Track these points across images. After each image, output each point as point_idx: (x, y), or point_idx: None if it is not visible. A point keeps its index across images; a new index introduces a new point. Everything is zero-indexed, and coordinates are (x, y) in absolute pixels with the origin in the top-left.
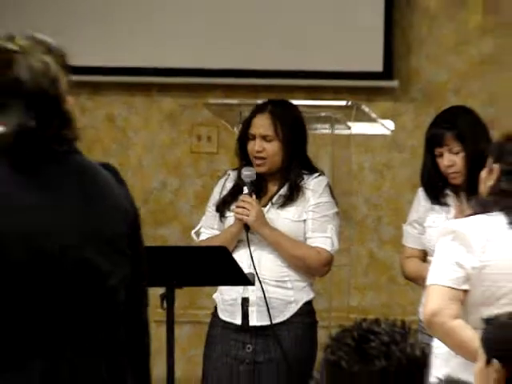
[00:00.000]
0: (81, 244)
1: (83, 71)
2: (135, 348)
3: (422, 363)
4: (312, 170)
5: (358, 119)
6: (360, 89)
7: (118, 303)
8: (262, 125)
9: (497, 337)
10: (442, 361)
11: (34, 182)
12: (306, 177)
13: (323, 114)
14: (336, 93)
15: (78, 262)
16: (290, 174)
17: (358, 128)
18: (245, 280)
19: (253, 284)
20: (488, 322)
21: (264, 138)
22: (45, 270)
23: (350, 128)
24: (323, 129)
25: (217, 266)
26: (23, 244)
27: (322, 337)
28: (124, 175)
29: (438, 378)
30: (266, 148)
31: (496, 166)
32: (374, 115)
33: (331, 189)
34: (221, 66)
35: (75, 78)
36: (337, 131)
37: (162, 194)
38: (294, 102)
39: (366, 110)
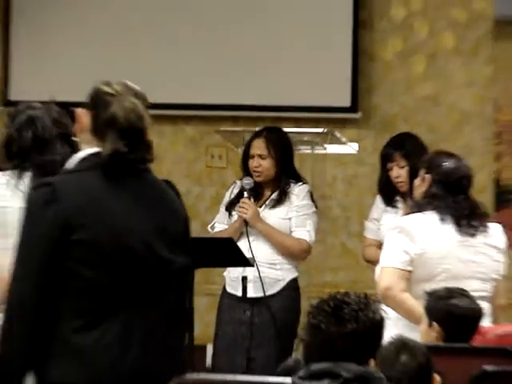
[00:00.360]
0: (152, 239)
1: None
2: (187, 313)
3: (380, 326)
4: (298, 179)
5: (332, 142)
6: (333, 119)
7: (177, 282)
8: (259, 147)
9: (436, 306)
10: (391, 324)
11: (120, 190)
12: (292, 185)
13: (306, 139)
14: (315, 122)
15: (150, 253)
16: (281, 182)
17: (331, 149)
18: (246, 263)
19: (252, 266)
20: (430, 294)
21: (260, 156)
22: (127, 259)
23: (325, 149)
24: (306, 149)
25: (225, 252)
26: (112, 238)
27: (305, 306)
28: None
29: (391, 337)
30: (262, 164)
31: (427, 176)
32: (343, 139)
33: (312, 194)
34: (229, 102)
35: None
36: (316, 151)
37: (187, 199)
38: (284, 129)
39: (338, 135)
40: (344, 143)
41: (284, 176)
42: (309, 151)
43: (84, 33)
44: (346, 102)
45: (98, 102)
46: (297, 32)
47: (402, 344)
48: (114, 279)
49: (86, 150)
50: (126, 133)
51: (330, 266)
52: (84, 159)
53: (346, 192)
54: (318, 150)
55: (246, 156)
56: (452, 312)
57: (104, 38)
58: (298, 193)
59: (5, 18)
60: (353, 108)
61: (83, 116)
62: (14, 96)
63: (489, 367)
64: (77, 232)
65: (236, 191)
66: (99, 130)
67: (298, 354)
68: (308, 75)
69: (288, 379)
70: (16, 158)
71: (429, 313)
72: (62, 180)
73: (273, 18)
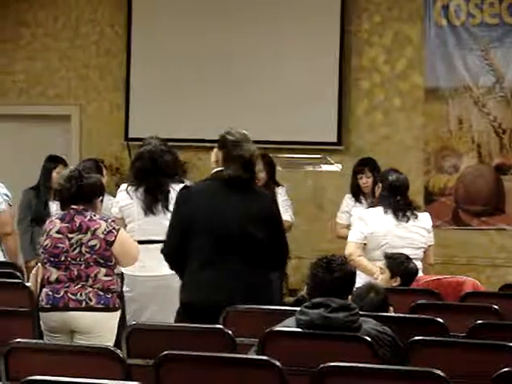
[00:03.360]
0: (244, 222)
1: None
2: (277, 264)
3: (354, 275)
4: (278, 184)
5: (325, 163)
6: (326, 150)
7: (260, 246)
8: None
9: (400, 267)
10: (359, 274)
11: (230, 194)
12: (276, 188)
13: (309, 162)
14: (313, 152)
15: (244, 231)
16: (270, 186)
17: (325, 167)
18: None
19: None
20: (387, 255)
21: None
22: (226, 232)
23: (321, 167)
24: (309, 168)
25: None
26: (219, 221)
27: (306, 265)
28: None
29: (360, 283)
30: (259, 177)
31: (380, 184)
32: (332, 162)
33: (286, 191)
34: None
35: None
36: (316, 169)
37: None
38: (297, 155)
39: (329, 159)
40: (333, 164)
41: (271, 182)
42: (311, 169)
43: (185, 86)
44: (334, 139)
45: (227, 145)
46: (299, 92)
47: (370, 286)
48: (217, 244)
49: (214, 170)
50: (245, 165)
51: (320, 240)
52: (212, 174)
53: (334, 194)
54: (317, 168)
55: None
56: (409, 271)
57: (200, 90)
58: (281, 192)
59: (127, 74)
60: (338, 143)
61: (217, 153)
62: (133, 133)
63: (420, 301)
64: (198, 217)
65: None
66: (229, 162)
67: (303, 292)
68: (309, 121)
69: (297, 308)
70: (135, 177)
71: (393, 270)
72: (196, 186)
73: (282, 79)
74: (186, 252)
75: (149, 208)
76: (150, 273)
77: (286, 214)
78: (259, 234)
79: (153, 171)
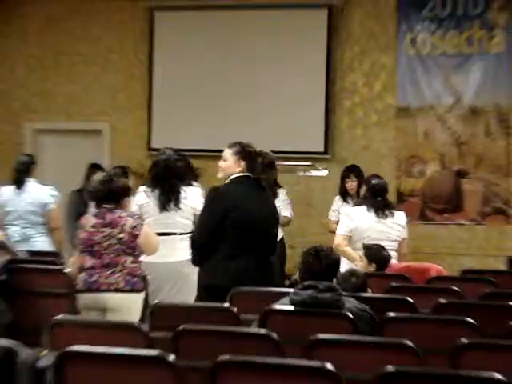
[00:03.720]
0: (266, 217)
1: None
2: (273, 251)
3: (338, 261)
4: (279, 186)
5: (314, 169)
6: (314, 158)
7: (274, 239)
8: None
9: (377, 255)
10: (344, 261)
11: (253, 194)
12: (278, 189)
13: (301, 168)
14: (304, 159)
15: (265, 225)
16: (273, 188)
17: (314, 173)
18: None
19: None
20: (365, 246)
21: None
22: (253, 227)
23: (311, 172)
24: (300, 173)
25: None
26: (246, 217)
27: (298, 253)
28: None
29: (344, 269)
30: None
31: (364, 187)
32: (320, 168)
33: (287, 193)
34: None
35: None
36: (306, 174)
37: None
38: (291, 162)
39: (318, 166)
40: (320, 170)
41: (273, 184)
42: (302, 174)
43: (196, 105)
44: (321, 149)
45: (251, 155)
46: (293, 109)
47: (352, 271)
48: (244, 236)
49: (237, 173)
50: (264, 169)
51: (312, 233)
52: (236, 177)
53: (322, 195)
54: (307, 173)
55: None
56: (382, 258)
57: (208, 109)
58: (282, 192)
59: (149, 95)
60: (325, 152)
61: (238, 161)
62: (154, 145)
63: (393, 284)
64: (230, 214)
65: None
66: (252, 168)
67: (296, 276)
68: (301, 134)
69: (291, 289)
70: (151, 181)
71: (369, 258)
72: (224, 187)
73: (279, 99)
74: (214, 243)
75: (163, 206)
76: (164, 259)
77: (286, 211)
78: (275, 229)
79: (166, 176)
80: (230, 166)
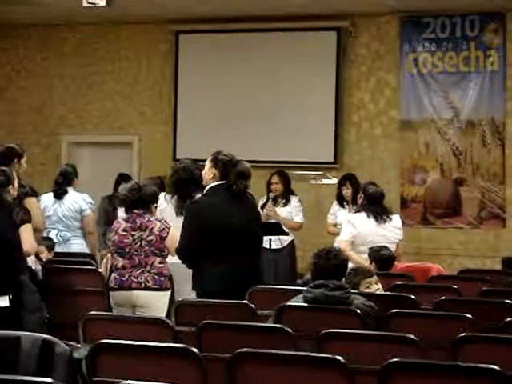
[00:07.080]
0: (244, 221)
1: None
2: (259, 252)
3: (346, 262)
4: (293, 193)
5: (325, 178)
6: (325, 167)
7: (256, 240)
8: (275, 180)
9: (377, 255)
10: (350, 263)
11: (226, 201)
12: (290, 196)
13: (313, 176)
14: (316, 169)
15: (246, 229)
16: (285, 195)
17: (325, 181)
18: (283, 232)
19: (287, 234)
20: (371, 249)
21: (276, 183)
22: (232, 232)
23: (322, 181)
24: (313, 181)
25: (274, 228)
26: (225, 224)
27: (310, 255)
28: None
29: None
30: (277, 188)
31: (362, 195)
32: (330, 177)
33: (300, 200)
34: (263, 159)
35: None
36: (318, 182)
37: None
38: (303, 172)
39: (328, 175)
40: (330, 178)
41: (286, 192)
42: (314, 182)
43: (217, 120)
44: (331, 159)
45: (225, 163)
46: (307, 124)
47: (356, 270)
48: (226, 242)
49: (212, 183)
50: (246, 178)
51: (318, 236)
52: (210, 188)
53: (328, 201)
54: (318, 182)
55: (269, 183)
56: (381, 257)
57: (229, 123)
58: (294, 199)
59: (174, 111)
60: (335, 162)
61: (211, 169)
62: (179, 156)
63: (397, 282)
64: (207, 223)
65: (264, 201)
66: (225, 175)
67: (308, 275)
68: (313, 146)
69: (304, 288)
70: (171, 188)
71: (372, 258)
72: (199, 199)
73: (294, 115)
74: (199, 252)
75: (180, 211)
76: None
77: (297, 217)
78: (255, 230)
79: (184, 183)
80: (205, 173)
